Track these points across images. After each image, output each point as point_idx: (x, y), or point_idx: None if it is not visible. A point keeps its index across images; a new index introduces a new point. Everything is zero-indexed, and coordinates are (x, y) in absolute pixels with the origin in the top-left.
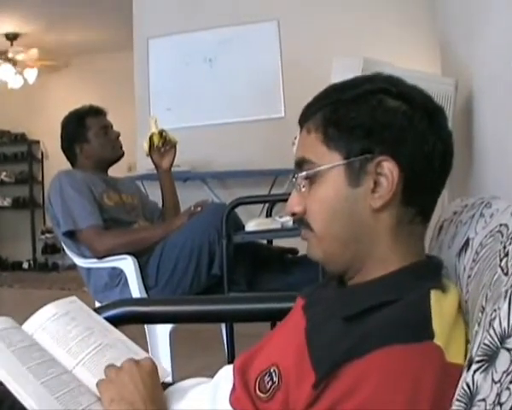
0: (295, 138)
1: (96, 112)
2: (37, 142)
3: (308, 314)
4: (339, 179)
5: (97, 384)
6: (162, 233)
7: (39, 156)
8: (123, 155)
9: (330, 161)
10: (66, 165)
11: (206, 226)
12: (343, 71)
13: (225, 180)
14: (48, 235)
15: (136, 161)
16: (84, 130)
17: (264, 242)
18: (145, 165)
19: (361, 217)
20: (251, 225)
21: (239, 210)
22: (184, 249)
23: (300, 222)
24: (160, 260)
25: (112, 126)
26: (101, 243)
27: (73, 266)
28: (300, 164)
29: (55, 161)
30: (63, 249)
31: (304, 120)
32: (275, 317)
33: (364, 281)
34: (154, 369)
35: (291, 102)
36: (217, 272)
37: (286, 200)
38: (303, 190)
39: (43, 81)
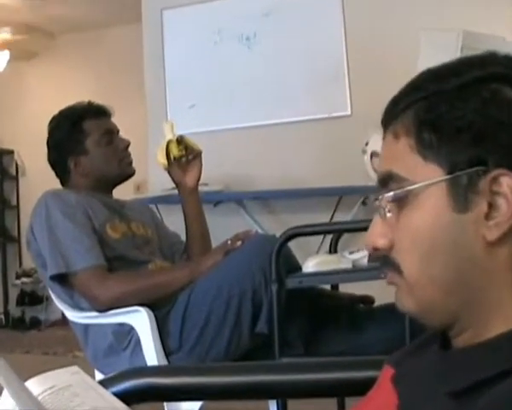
0: (366, 144)
1: (97, 112)
2: (11, 152)
3: (400, 388)
4: (439, 202)
5: None
6: (188, 276)
7: (13, 172)
8: (133, 173)
9: (427, 177)
10: (52, 183)
11: (248, 267)
12: (435, 50)
13: (270, 203)
14: (25, 279)
15: (146, 178)
16: (81, 137)
17: (328, 287)
18: (159, 183)
19: (470, 253)
20: (310, 265)
21: (291, 244)
22: (219, 299)
23: (385, 261)
24: (186, 313)
25: (118, 132)
26: (103, 291)
27: (60, 322)
28: (386, 181)
29: (35, 178)
30: (47, 299)
31: (389, 120)
32: (344, 391)
33: (477, 342)
34: None
35: (359, 96)
36: (263, 330)
37: (357, 229)
38: (389, 215)
39: (17, 68)
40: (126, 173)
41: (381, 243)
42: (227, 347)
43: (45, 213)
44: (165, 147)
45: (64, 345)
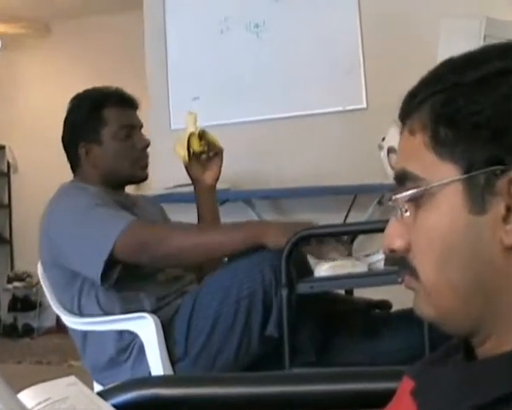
0: (383, 139)
1: (121, 100)
2: (2, 147)
3: (420, 401)
4: (455, 203)
5: None
6: (243, 239)
7: (4, 168)
8: (146, 178)
9: (443, 176)
10: (46, 181)
11: (258, 267)
12: (456, 38)
13: (280, 202)
14: (17, 284)
15: (149, 175)
16: (98, 124)
17: (342, 292)
18: (161, 181)
19: (488, 256)
20: (323, 269)
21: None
22: (228, 301)
23: (403, 264)
24: (192, 317)
25: (141, 127)
26: (152, 234)
27: (55, 330)
28: (401, 179)
29: (28, 175)
30: (40, 305)
31: (406, 114)
32: (359, 404)
33: (500, 352)
34: None
35: (376, 88)
36: (273, 333)
37: (373, 230)
38: (406, 215)
39: (9, 59)
40: (138, 177)
41: (398, 244)
42: (236, 352)
43: (64, 208)
44: (186, 139)
45: (59, 354)
